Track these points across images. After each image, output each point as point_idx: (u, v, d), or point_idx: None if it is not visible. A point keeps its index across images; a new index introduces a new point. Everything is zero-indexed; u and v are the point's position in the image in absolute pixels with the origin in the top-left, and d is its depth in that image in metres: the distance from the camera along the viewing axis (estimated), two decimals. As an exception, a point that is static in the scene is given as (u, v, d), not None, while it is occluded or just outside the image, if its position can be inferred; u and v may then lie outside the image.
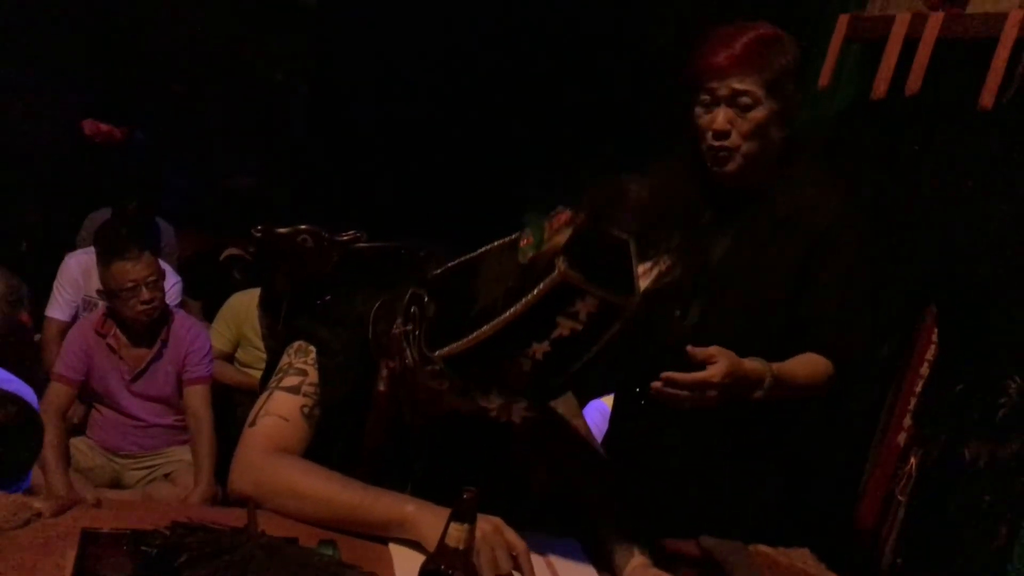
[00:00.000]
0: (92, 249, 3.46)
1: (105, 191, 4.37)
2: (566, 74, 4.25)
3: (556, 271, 1.17)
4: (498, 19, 4.54)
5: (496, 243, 1.32)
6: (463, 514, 1.06)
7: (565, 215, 1.24)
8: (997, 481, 2.13)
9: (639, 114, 4.01)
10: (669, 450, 1.87)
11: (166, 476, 3.03)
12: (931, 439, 2.33)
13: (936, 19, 2.30)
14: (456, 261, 1.36)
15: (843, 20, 2.61)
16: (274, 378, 1.51)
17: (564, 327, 1.20)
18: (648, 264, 1.29)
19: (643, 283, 1.25)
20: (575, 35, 4.30)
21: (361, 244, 2.01)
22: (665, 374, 1.53)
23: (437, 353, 1.26)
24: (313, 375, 1.48)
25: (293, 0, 4.90)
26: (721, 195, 1.84)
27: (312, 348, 1.51)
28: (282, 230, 2.04)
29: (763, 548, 1.66)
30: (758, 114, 1.74)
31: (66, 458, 2.89)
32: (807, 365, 1.72)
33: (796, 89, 1.78)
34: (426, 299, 1.34)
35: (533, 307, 1.19)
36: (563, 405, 1.60)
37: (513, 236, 1.28)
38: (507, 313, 1.20)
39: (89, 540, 1.13)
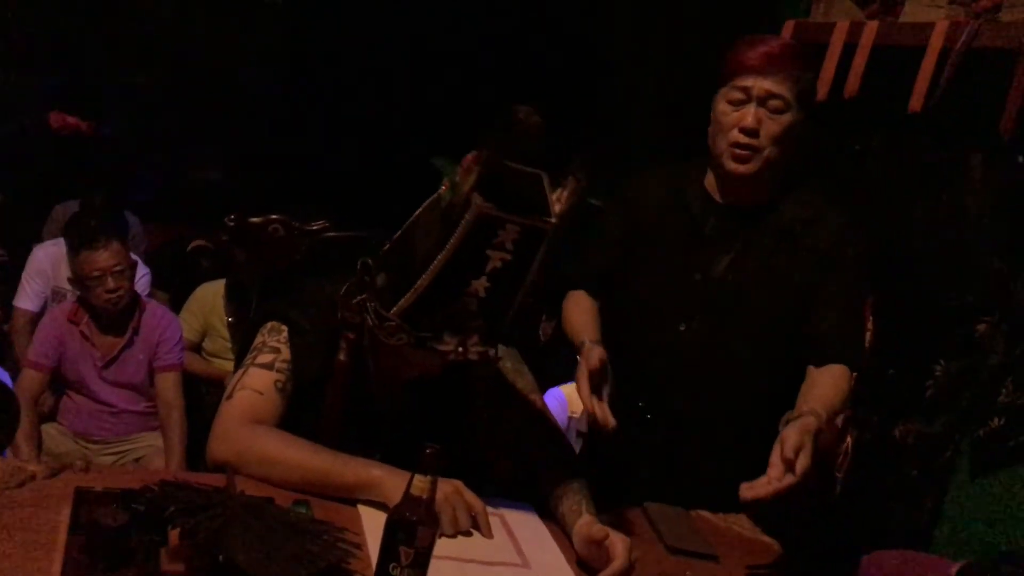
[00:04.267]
0: (61, 240, 3.52)
1: (71, 184, 4.41)
2: (533, 72, 4.37)
3: (473, 207, 1.28)
4: (463, 13, 4.65)
5: (424, 204, 1.43)
6: (426, 467, 1.18)
7: (471, 155, 1.35)
8: (923, 457, 2.29)
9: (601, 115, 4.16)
10: (659, 448, 1.92)
11: (136, 461, 3.10)
12: (866, 420, 2.48)
13: (872, 27, 2.45)
14: (397, 232, 1.48)
15: (789, 26, 2.77)
16: (249, 355, 1.61)
17: (495, 259, 1.32)
18: (559, 191, 1.37)
19: (557, 207, 1.35)
20: (545, 33, 4.42)
21: (329, 233, 2.13)
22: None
23: (391, 311, 1.38)
24: (286, 352, 1.59)
25: (259, -1, 4.97)
26: (723, 210, 1.87)
27: (284, 328, 1.62)
28: (254, 219, 2.15)
29: (704, 513, 1.80)
30: (787, 119, 1.76)
31: (37, 444, 2.96)
32: (834, 385, 1.74)
33: (812, 113, 1.82)
34: (373, 268, 1.46)
35: (461, 246, 1.30)
36: (521, 381, 1.72)
37: (436, 193, 1.39)
38: (439, 258, 1.32)
39: (83, 497, 1.23)
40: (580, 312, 1.93)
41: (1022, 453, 2.09)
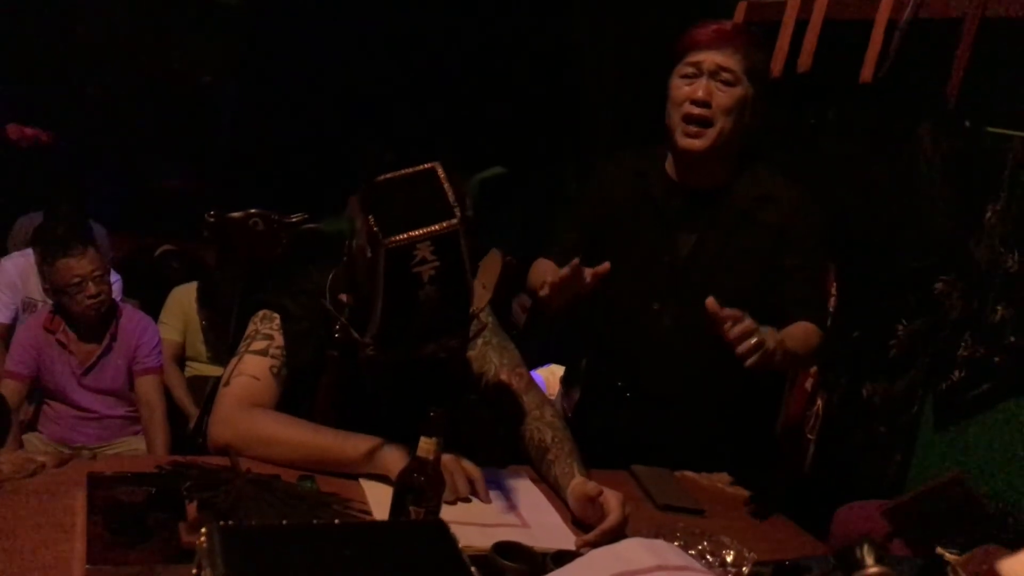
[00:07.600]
0: (29, 252, 3.51)
1: (33, 196, 4.39)
2: (492, 71, 4.44)
3: (379, 248, 1.31)
4: (421, 10, 4.69)
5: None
6: (431, 429, 1.23)
7: (352, 200, 1.40)
8: (890, 415, 2.39)
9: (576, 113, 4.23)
10: (639, 422, 1.98)
11: (120, 466, 3.11)
12: (834, 382, 2.57)
13: (821, 3, 2.54)
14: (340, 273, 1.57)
15: (741, 7, 2.86)
16: (243, 343, 1.65)
17: (426, 271, 1.34)
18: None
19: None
20: (508, 28, 4.49)
21: (308, 225, 2.17)
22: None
23: (366, 338, 1.43)
24: (279, 339, 1.64)
25: (217, 1, 4.96)
26: (684, 192, 1.93)
27: (276, 316, 1.66)
28: (234, 215, 2.19)
29: (688, 473, 1.88)
30: (738, 91, 1.82)
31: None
32: (802, 329, 1.80)
33: (764, 92, 1.88)
34: (331, 291, 1.53)
35: (388, 282, 1.33)
36: (507, 356, 1.77)
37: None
38: (378, 297, 1.35)
39: (96, 481, 1.27)
40: (543, 270, 1.99)
41: (983, 403, 2.20)
